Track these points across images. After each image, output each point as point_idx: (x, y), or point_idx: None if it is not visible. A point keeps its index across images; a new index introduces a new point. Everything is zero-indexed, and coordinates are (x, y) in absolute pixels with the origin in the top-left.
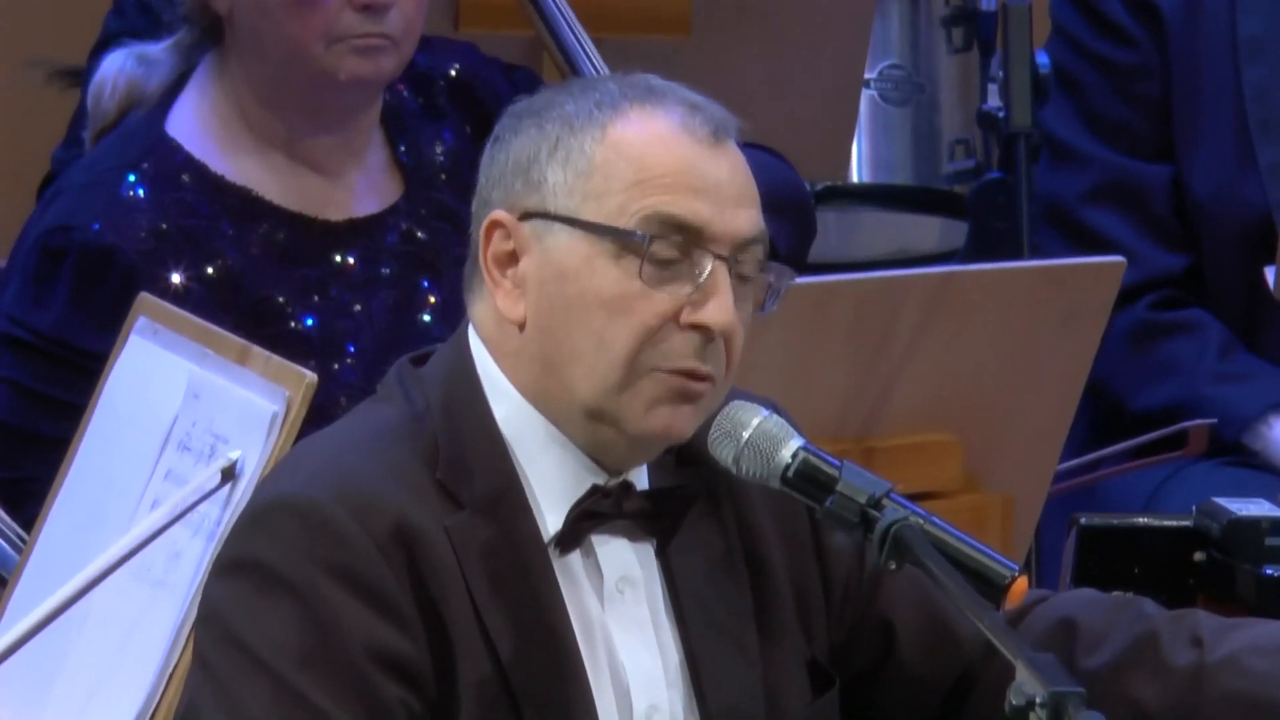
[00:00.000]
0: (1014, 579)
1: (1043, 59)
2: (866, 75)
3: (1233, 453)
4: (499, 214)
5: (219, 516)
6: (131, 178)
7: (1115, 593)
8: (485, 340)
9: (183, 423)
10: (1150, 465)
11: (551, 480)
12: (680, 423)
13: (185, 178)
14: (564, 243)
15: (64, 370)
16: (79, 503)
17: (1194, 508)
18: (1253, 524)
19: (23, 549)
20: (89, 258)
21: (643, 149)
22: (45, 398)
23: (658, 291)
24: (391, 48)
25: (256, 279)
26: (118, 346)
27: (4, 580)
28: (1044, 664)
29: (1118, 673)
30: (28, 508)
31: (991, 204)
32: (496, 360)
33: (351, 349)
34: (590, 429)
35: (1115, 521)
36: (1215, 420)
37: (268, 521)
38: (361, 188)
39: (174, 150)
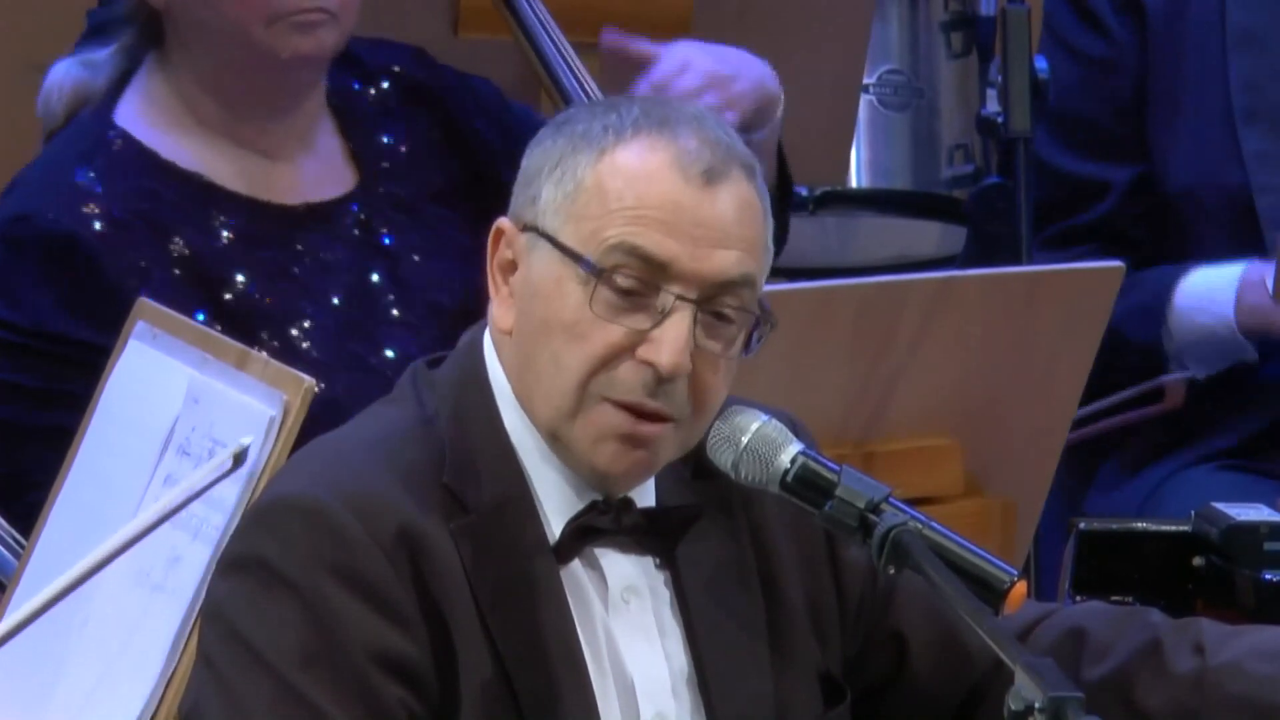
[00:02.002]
0: (1013, 584)
1: (1041, 64)
2: (865, 80)
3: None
4: (503, 222)
5: (219, 522)
6: (84, 169)
7: (1114, 598)
8: (494, 345)
9: (182, 427)
10: (1130, 421)
11: (554, 490)
12: (631, 464)
13: (137, 166)
14: (544, 259)
15: (41, 360)
16: (78, 507)
17: (1193, 513)
18: (1251, 529)
19: (21, 554)
20: (51, 245)
21: (628, 179)
22: (27, 389)
23: (612, 323)
24: (331, 22)
25: (216, 261)
26: (116, 350)
27: (3, 585)
28: (1043, 669)
29: (1121, 680)
30: (27, 497)
31: (990, 209)
32: (502, 366)
33: (312, 326)
34: (559, 449)
35: (1114, 526)
36: (1192, 374)
37: (272, 520)
38: (315, 174)
39: (125, 140)
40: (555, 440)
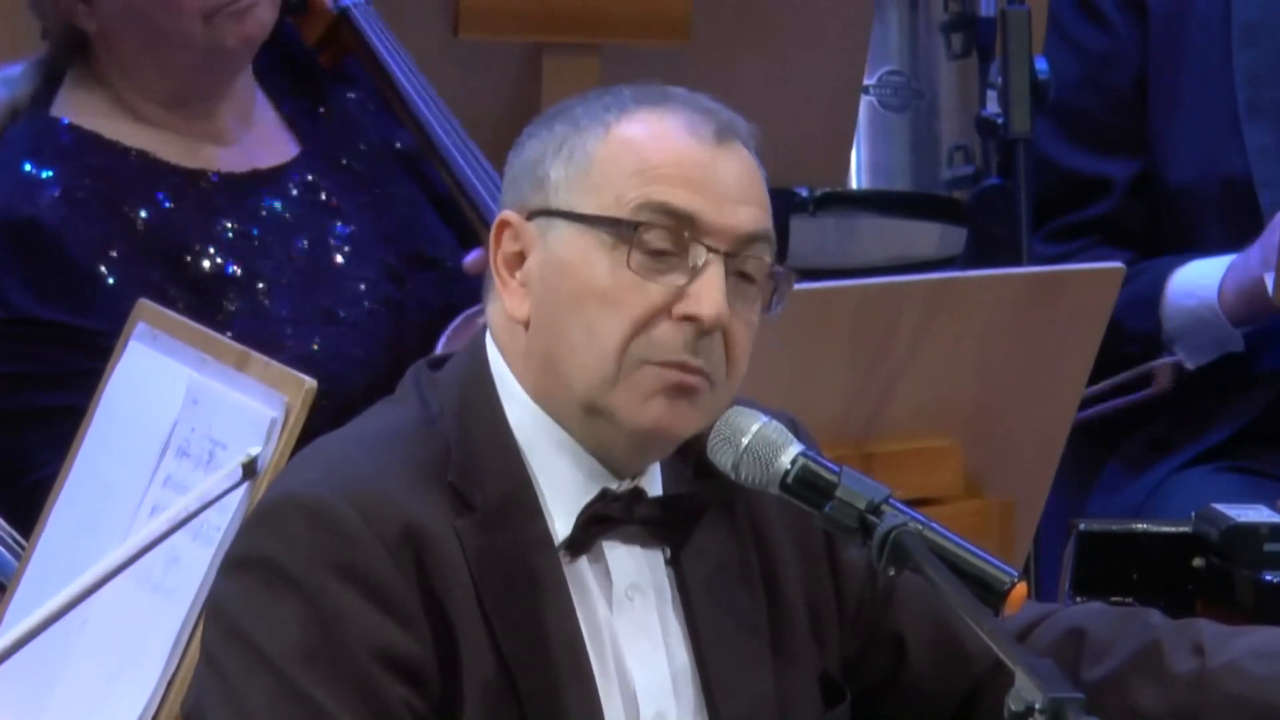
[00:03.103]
0: (1014, 584)
1: (1041, 65)
2: (865, 81)
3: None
4: (507, 215)
5: (220, 523)
6: (31, 160)
7: (1114, 599)
8: (498, 343)
9: (182, 428)
10: (1120, 406)
11: (563, 485)
12: (677, 418)
13: (84, 147)
14: (564, 236)
15: (18, 344)
16: (78, 508)
17: (1193, 514)
18: (1251, 530)
19: (21, 555)
20: (11, 232)
21: (644, 143)
22: (13, 376)
23: (649, 282)
24: None
25: (173, 232)
26: (116, 352)
27: (3, 586)
28: (1043, 670)
29: (1121, 681)
30: (22, 482)
31: (990, 210)
32: (508, 363)
33: (274, 287)
34: (591, 426)
35: (1114, 527)
36: (1180, 357)
37: (276, 519)
38: (258, 145)
39: (68, 129)
40: (592, 414)
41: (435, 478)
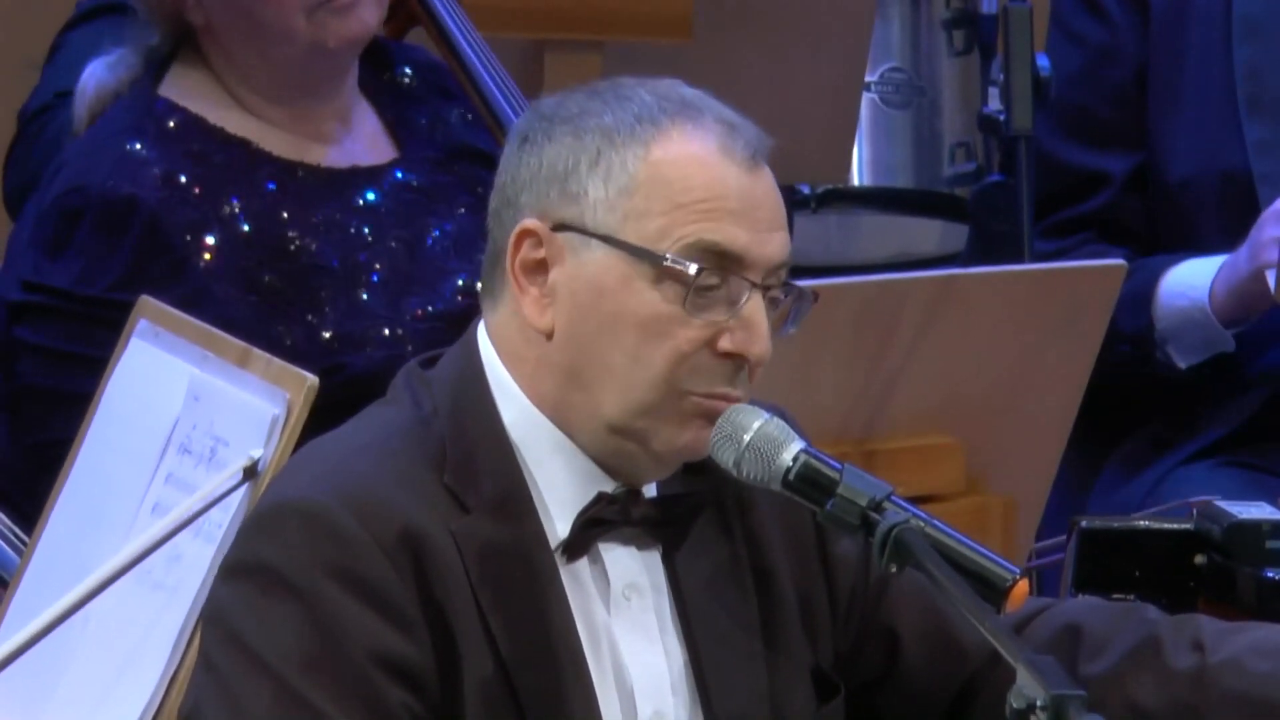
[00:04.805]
0: (1015, 582)
1: (1043, 62)
2: (867, 78)
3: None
4: (531, 223)
5: (222, 520)
6: (134, 140)
7: (1116, 596)
8: (500, 344)
9: (183, 425)
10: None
11: (559, 486)
12: (707, 440)
13: (187, 130)
14: (601, 259)
15: (89, 325)
16: (80, 505)
17: (1194, 510)
18: (1254, 527)
19: (23, 551)
20: (109, 210)
21: (685, 170)
22: (74, 356)
23: (695, 318)
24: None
25: (272, 220)
26: (118, 349)
27: (4, 582)
28: (1045, 667)
29: (1120, 677)
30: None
31: (992, 207)
32: (509, 365)
33: (374, 279)
34: (611, 443)
35: (1116, 524)
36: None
37: (274, 524)
38: (357, 148)
39: (172, 109)
40: (618, 433)
41: (431, 478)
